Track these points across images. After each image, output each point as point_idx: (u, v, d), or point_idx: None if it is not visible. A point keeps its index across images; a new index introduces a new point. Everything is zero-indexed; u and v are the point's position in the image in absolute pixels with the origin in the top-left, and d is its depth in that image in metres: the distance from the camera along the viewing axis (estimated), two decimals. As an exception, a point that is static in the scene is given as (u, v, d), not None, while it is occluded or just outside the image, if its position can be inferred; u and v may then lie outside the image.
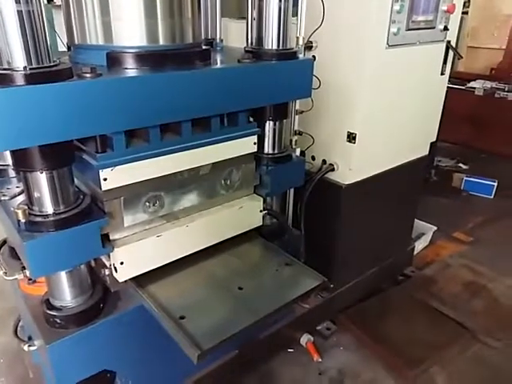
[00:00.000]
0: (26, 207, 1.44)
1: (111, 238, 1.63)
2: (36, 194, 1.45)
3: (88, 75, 1.34)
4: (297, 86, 1.90)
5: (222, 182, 1.86)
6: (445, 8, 2.38)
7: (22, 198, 1.64)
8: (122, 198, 1.58)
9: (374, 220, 2.71)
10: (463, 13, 5.94)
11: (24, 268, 1.80)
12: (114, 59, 1.54)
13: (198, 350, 1.42)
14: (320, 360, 2.50)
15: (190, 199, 1.79)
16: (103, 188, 1.51)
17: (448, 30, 2.47)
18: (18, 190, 1.74)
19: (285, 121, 2.06)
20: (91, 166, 1.51)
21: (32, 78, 1.22)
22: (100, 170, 1.49)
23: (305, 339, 2.56)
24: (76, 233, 1.46)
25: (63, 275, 1.61)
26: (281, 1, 1.77)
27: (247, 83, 1.70)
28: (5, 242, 2.14)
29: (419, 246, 3.50)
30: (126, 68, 1.53)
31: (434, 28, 2.39)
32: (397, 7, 2.10)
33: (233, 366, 2.21)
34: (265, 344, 2.36)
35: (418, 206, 3.17)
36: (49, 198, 1.45)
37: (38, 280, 1.77)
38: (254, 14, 1.84)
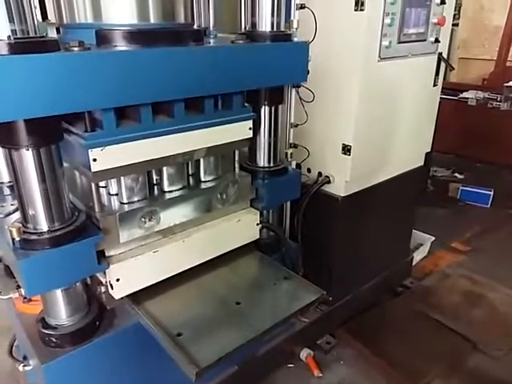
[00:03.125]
0: (21, 225, 1.43)
1: (107, 254, 1.61)
2: (31, 212, 1.43)
3: (76, 49, 1.30)
4: (292, 70, 1.86)
5: (219, 195, 1.86)
6: (435, 21, 2.41)
7: (16, 215, 1.63)
8: (118, 213, 1.57)
9: (372, 231, 2.70)
10: (454, 25, 6.05)
11: (19, 287, 1.77)
12: (103, 37, 1.49)
13: (195, 367, 1.40)
14: (321, 375, 2.47)
15: (186, 214, 1.78)
16: (93, 169, 1.44)
17: (439, 42, 2.50)
18: (13, 207, 1.74)
19: (280, 133, 2.07)
20: (80, 146, 1.44)
21: (16, 48, 1.18)
22: (89, 150, 1.42)
23: (305, 354, 2.53)
24: (71, 250, 1.45)
25: (59, 293, 1.59)
26: (273, 16, 1.79)
27: (241, 63, 1.65)
28: (-1, 260, 2.12)
29: (418, 256, 3.49)
30: (116, 46, 1.49)
31: (425, 40, 2.43)
32: (388, 21, 2.12)
33: (232, 382, 2.18)
34: (264, 359, 2.33)
35: (415, 217, 3.17)
36: (43, 214, 1.43)
37: (33, 298, 1.75)
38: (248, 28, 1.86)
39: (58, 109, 1.28)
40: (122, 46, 1.49)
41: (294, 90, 2.16)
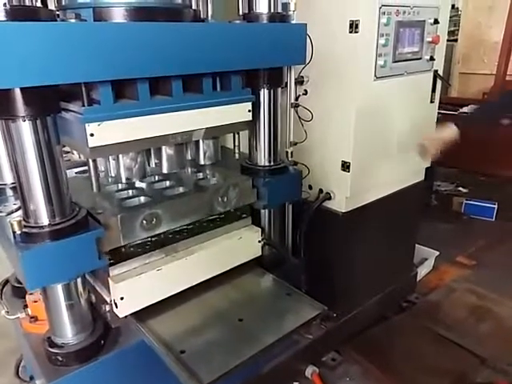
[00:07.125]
0: (21, 219, 1.43)
1: (111, 273, 1.65)
2: (32, 207, 1.43)
3: (72, 20, 1.33)
4: (290, 51, 1.86)
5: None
6: (430, 39, 2.48)
7: (18, 214, 1.64)
8: (120, 215, 1.60)
9: (374, 246, 2.72)
10: (453, 40, 6.15)
11: (26, 306, 1.82)
12: (100, 15, 1.50)
13: (198, 384, 1.42)
14: (326, 392, 2.46)
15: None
16: (90, 145, 1.42)
17: (434, 59, 2.56)
18: (15, 206, 1.75)
19: (280, 132, 2.10)
20: (77, 121, 1.43)
21: (13, 15, 1.20)
22: (86, 125, 1.40)
23: (310, 371, 2.52)
24: (72, 243, 1.44)
25: (64, 312, 1.62)
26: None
27: (238, 42, 1.66)
28: (7, 281, 2.17)
29: (422, 271, 3.49)
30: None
31: (420, 59, 2.48)
32: (382, 41, 2.19)
33: (237, 400, 2.18)
34: (269, 377, 2.32)
35: (418, 231, 3.18)
36: (44, 207, 1.43)
37: (40, 318, 1.79)
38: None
39: (53, 79, 1.29)
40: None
41: (292, 110, 2.21)
